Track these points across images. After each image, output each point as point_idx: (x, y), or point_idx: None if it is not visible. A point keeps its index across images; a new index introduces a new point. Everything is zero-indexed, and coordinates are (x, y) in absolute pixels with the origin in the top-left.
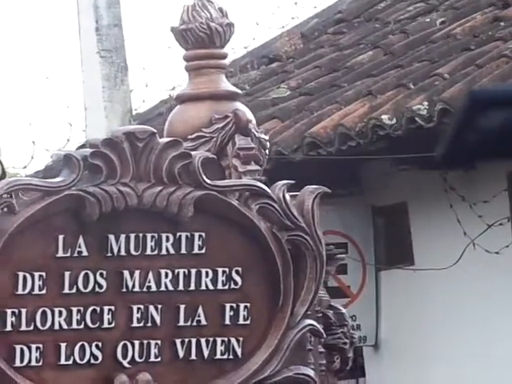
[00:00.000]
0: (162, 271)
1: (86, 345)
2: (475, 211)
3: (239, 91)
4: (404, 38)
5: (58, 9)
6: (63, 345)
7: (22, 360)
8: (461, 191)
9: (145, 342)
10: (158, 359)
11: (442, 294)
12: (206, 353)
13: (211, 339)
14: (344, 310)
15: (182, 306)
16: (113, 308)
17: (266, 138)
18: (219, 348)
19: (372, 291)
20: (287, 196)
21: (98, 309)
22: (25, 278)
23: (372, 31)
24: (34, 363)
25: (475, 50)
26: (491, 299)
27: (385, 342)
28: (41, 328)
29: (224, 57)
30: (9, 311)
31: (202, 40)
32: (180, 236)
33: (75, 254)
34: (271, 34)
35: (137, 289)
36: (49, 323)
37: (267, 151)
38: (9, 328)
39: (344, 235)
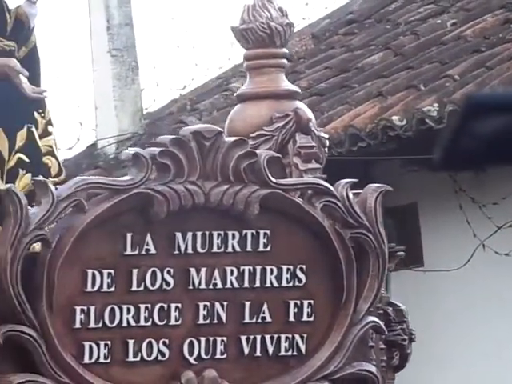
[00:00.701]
0: (228, 269)
1: (154, 342)
2: (485, 213)
3: (299, 90)
4: (415, 39)
5: (68, 8)
6: (131, 341)
7: (90, 357)
8: (471, 193)
9: (211, 338)
10: (224, 356)
11: (451, 295)
12: (270, 349)
13: (276, 336)
14: (403, 307)
15: (248, 303)
16: (180, 305)
17: (326, 136)
18: (283, 344)
19: (384, 289)
20: (350, 194)
21: (166, 306)
22: (94, 275)
23: (383, 32)
24: (102, 360)
25: (486, 51)
26: (501, 300)
27: None
28: (109, 325)
29: (284, 56)
30: (78, 308)
31: (262, 39)
32: (246, 234)
33: (143, 252)
34: None
35: (203, 286)
36: (117, 320)
37: (326, 149)
38: (78, 325)
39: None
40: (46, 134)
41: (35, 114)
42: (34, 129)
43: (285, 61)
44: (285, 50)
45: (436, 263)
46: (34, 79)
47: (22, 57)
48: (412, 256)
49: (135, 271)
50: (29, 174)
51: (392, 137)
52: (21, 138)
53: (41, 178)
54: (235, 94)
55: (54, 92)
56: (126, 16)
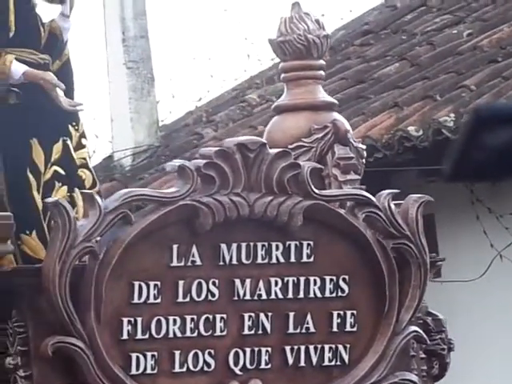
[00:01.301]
0: (272, 279)
1: (200, 352)
2: (502, 223)
3: (336, 102)
4: (431, 49)
5: (84, 20)
6: (177, 352)
7: (137, 368)
8: (487, 203)
9: (256, 349)
10: (269, 366)
11: (469, 306)
12: (314, 359)
13: (319, 346)
14: (442, 317)
15: (292, 314)
16: (225, 316)
17: (364, 147)
18: (327, 355)
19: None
20: (392, 205)
21: (211, 317)
22: (140, 287)
23: (399, 43)
24: (149, 371)
25: (502, 61)
26: None
27: None
28: (156, 336)
29: (321, 68)
30: (125, 320)
31: (299, 51)
32: (289, 245)
33: (189, 263)
34: None
35: (248, 297)
36: (163, 331)
37: (364, 161)
38: (125, 336)
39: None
40: (80, 146)
41: (70, 127)
42: (69, 141)
43: (322, 72)
44: (322, 62)
45: (453, 274)
46: (68, 92)
47: (55, 70)
48: (430, 266)
49: (181, 282)
50: (65, 187)
51: (408, 147)
52: (56, 150)
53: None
54: (273, 106)
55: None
56: (141, 28)
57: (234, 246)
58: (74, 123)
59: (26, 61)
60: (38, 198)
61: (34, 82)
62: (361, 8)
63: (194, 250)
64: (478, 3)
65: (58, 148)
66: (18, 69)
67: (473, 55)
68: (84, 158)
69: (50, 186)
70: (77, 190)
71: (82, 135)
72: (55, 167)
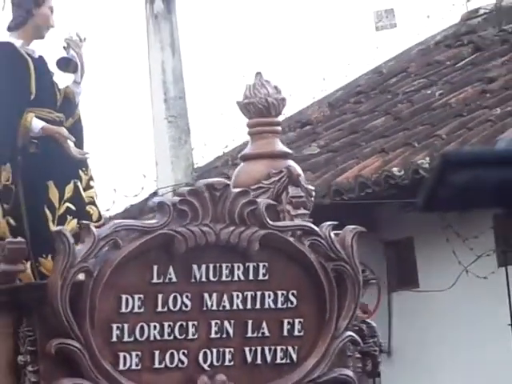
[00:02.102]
0: (234, 294)
1: (175, 352)
2: (467, 244)
3: (291, 151)
4: (410, 106)
5: (132, 82)
6: (157, 352)
7: (124, 364)
8: (456, 228)
9: (221, 349)
10: (232, 363)
11: (442, 311)
12: (268, 358)
13: (273, 347)
14: (374, 324)
15: (250, 321)
16: (196, 323)
17: (313, 188)
18: (279, 354)
19: (385, 309)
20: (332, 234)
21: (184, 324)
22: (127, 299)
23: (385, 101)
24: (134, 367)
25: (467, 115)
26: (481, 314)
27: (396, 349)
28: (139, 339)
29: (278, 124)
30: (114, 326)
31: (261, 111)
32: (248, 266)
33: (166, 280)
34: (304, 104)
35: (214, 308)
36: (146, 335)
37: (313, 199)
38: (114, 339)
39: (362, 264)
40: (88, 187)
41: (80, 171)
42: (79, 183)
43: (279, 128)
44: (279, 119)
45: (429, 285)
46: (79, 144)
47: (69, 126)
48: (409, 279)
49: (160, 296)
50: (75, 220)
51: (392, 184)
52: (68, 190)
53: (85, 222)
54: (240, 155)
55: (123, 151)
56: (179, 90)
57: (204, 266)
58: (83, 168)
59: (45, 118)
60: (53, 228)
61: (50, 135)
62: (354, 73)
63: (171, 269)
64: (447, 69)
65: (69, 188)
66: (37, 124)
67: (444, 110)
68: (92, 197)
69: (63, 219)
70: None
71: (91, 178)
72: (67, 204)
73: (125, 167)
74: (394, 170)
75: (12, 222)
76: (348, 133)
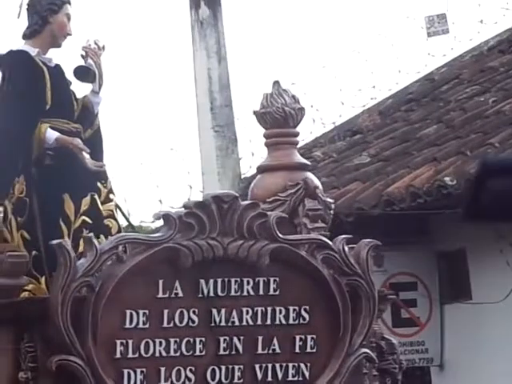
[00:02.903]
0: (244, 309)
1: (182, 369)
2: None
3: (309, 163)
4: (462, 114)
5: (178, 92)
6: (163, 369)
7: (128, 381)
8: (510, 239)
9: (230, 367)
10: (241, 381)
11: (496, 324)
12: (279, 375)
13: (284, 364)
14: (394, 341)
15: (260, 338)
16: (203, 339)
17: (331, 201)
18: (291, 371)
19: (437, 321)
20: (346, 248)
21: (192, 340)
22: (131, 314)
23: (436, 109)
24: None
25: None
26: None
27: (448, 362)
28: (144, 355)
29: (296, 135)
30: (118, 342)
31: (278, 121)
32: (258, 280)
33: (172, 295)
34: (354, 112)
35: (223, 323)
36: (151, 351)
37: (332, 211)
38: (118, 355)
39: (414, 275)
40: (107, 200)
41: (98, 184)
42: (96, 196)
43: (297, 138)
44: (297, 130)
45: (482, 297)
46: (97, 155)
47: (88, 137)
48: (462, 291)
49: (166, 311)
50: (91, 234)
51: (445, 194)
52: (85, 203)
53: (86, 235)
54: (256, 167)
55: (168, 161)
56: (226, 99)
57: (211, 281)
58: (102, 181)
59: (61, 129)
60: (68, 242)
61: (65, 147)
62: (405, 81)
63: (177, 284)
64: (501, 76)
65: (86, 201)
66: (51, 135)
67: (497, 118)
68: (111, 210)
69: (79, 233)
70: (102, 236)
71: (110, 191)
72: (83, 217)
73: (171, 178)
74: (447, 179)
75: (26, 235)
76: (399, 141)
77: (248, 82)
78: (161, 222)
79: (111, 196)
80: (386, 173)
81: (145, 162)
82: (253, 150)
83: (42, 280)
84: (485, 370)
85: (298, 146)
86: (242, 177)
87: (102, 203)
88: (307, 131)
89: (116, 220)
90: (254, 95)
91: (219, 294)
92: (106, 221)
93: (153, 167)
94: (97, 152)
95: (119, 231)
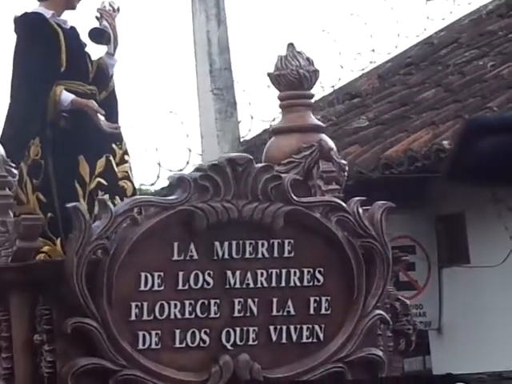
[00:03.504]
0: (258, 271)
1: (197, 331)
2: None
3: (323, 124)
4: (461, 78)
5: (177, 55)
6: (177, 331)
7: (143, 343)
8: (508, 203)
9: (244, 328)
10: (255, 342)
11: (493, 287)
12: (294, 337)
13: (298, 326)
14: (408, 302)
15: (275, 300)
16: (218, 301)
17: (345, 162)
18: (305, 333)
19: (435, 285)
20: (360, 210)
21: (206, 302)
22: (146, 277)
23: (435, 72)
24: (153, 346)
25: None
26: None
27: (446, 326)
28: (159, 318)
29: (311, 97)
30: (133, 304)
31: (292, 83)
32: (273, 242)
33: (187, 258)
34: (353, 75)
35: (238, 285)
36: (166, 314)
37: (346, 174)
38: (133, 318)
39: (412, 239)
40: (122, 161)
41: (113, 145)
42: (111, 158)
43: (311, 100)
44: (311, 92)
45: (480, 261)
46: (113, 117)
47: (102, 99)
48: (460, 255)
49: (181, 273)
50: (106, 195)
51: (443, 158)
52: (100, 165)
53: (101, 197)
54: (271, 128)
55: (167, 124)
56: (225, 62)
57: (226, 243)
58: (117, 142)
59: (76, 91)
60: (83, 204)
61: (80, 109)
62: (404, 44)
63: (192, 246)
64: (500, 40)
65: (101, 163)
66: (66, 97)
67: (495, 82)
68: (126, 172)
69: (94, 195)
70: (117, 197)
71: (125, 152)
72: (99, 179)
73: (169, 141)
74: (445, 143)
75: (42, 197)
76: (398, 105)
77: (247, 45)
78: (161, 185)
79: (126, 157)
80: (385, 136)
81: (144, 124)
82: (252, 113)
83: (58, 242)
84: (483, 334)
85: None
86: (242, 140)
87: (117, 165)
88: None
89: (131, 181)
90: (254, 58)
91: (234, 256)
92: (121, 182)
93: (152, 130)
94: (112, 114)
95: (134, 193)
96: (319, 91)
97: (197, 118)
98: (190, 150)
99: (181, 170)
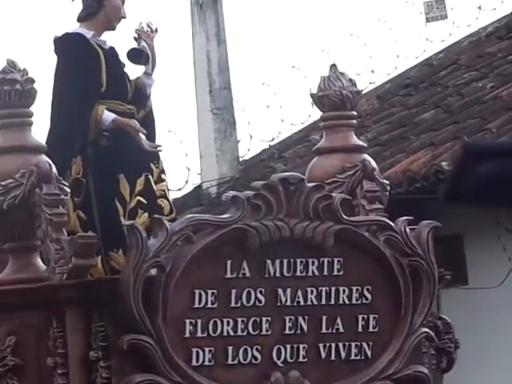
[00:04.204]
0: (309, 289)
1: (249, 348)
2: None
3: (365, 145)
4: (460, 99)
5: (176, 74)
6: (230, 348)
7: (197, 360)
8: (506, 225)
9: (295, 345)
10: (305, 360)
11: (491, 309)
12: (343, 354)
13: (347, 343)
14: (450, 321)
15: (324, 317)
16: (269, 318)
17: (387, 182)
18: (353, 351)
19: (433, 306)
20: (407, 229)
21: (258, 319)
22: (200, 294)
23: (434, 94)
24: (207, 363)
25: None
26: None
27: None
28: (212, 335)
29: (353, 117)
30: (187, 321)
31: (335, 104)
32: (323, 261)
33: (240, 276)
34: None
35: (288, 303)
36: (219, 331)
37: (387, 193)
38: (187, 335)
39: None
40: (159, 180)
41: (151, 164)
42: (150, 176)
43: (354, 121)
44: (354, 113)
45: (478, 282)
46: (150, 136)
47: (140, 118)
48: (458, 276)
49: (234, 291)
50: (146, 213)
51: (441, 179)
52: (140, 183)
53: (157, 216)
54: (314, 148)
55: (166, 143)
56: (224, 81)
57: (278, 261)
58: (155, 161)
59: (116, 110)
60: (124, 222)
61: (122, 128)
62: (404, 65)
63: (245, 264)
64: (499, 61)
65: (140, 182)
66: (108, 117)
67: (494, 104)
68: (163, 190)
69: (134, 213)
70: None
71: (162, 171)
72: (138, 197)
73: (169, 160)
74: (444, 164)
75: (83, 215)
76: (397, 126)
77: (247, 64)
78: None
79: (163, 176)
80: (384, 157)
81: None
82: (251, 132)
83: (98, 260)
84: (482, 355)
85: (297, 129)
86: (241, 159)
87: (155, 183)
88: (305, 114)
89: (168, 200)
90: (253, 78)
91: (285, 274)
92: (158, 201)
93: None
94: (150, 133)
95: (171, 211)
96: (318, 111)
97: (196, 137)
98: (188, 169)
99: (180, 190)
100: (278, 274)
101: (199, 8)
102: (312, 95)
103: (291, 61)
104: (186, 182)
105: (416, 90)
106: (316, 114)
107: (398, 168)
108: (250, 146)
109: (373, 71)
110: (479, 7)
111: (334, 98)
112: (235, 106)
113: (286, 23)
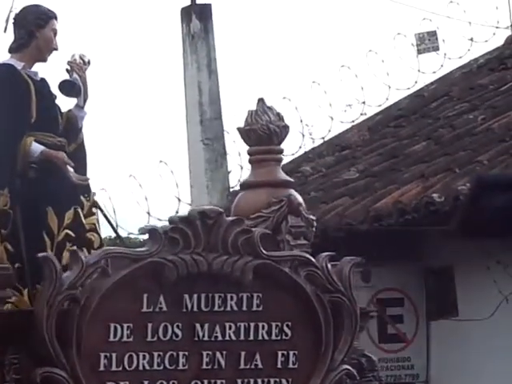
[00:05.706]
0: (227, 324)
1: (165, 383)
2: (508, 272)
3: (292, 180)
4: (451, 131)
5: (167, 104)
6: (146, 382)
7: None
8: (496, 256)
9: (212, 381)
10: None
11: (481, 341)
12: None
13: (266, 380)
14: (375, 358)
15: (243, 353)
16: (186, 353)
17: (314, 218)
18: None
19: (424, 337)
20: (329, 265)
21: (175, 354)
22: (115, 328)
23: (426, 125)
24: None
25: (510, 141)
26: None
27: (434, 379)
28: (128, 369)
29: (280, 152)
30: (102, 355)
31: (262, 138)
32: (242, 296)
33: (157, 309)
34: (344, 127)
35: (206, 338)
36: (134, 365)
37: (314, 229)
38: (102, 368)
39: (401, 291)
40: (90, 214)
41: (82, 197)
42: (79, 210)
43: (281, 156)
44: (281, 147)
45: (468, 314)
46: (81, 169)
47: (72, 151)
48: (449, 308)
49: (150, 325)
50: (74, 247)
51: (433, 211)
52: (68, 217)
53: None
54: (239, 183)
55: (157, 174)
56: (215, 112)
57: (195, 296)
58: (85, 195)
59: (45, 142)
60: (39, 254)
61: (49, 160)
62: (395, 97)
63: (162, 298)
64: (490, 93)
65: (69, 215)
66: (36, 149)
67: (486, 136)
68: (93, 224)
69: (62, 246)
70: (85, 249)
71: (93, 204)
72: (67, 230)
73: (160, 190)
74: (435, 196)
75: (10, 247)
76: (388, 157)
77: (238, 95)
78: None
79: (93, 210)
80: (374, 188)
81: (134, 173)
82: (242, 163)
83: (25, 292)
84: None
85: (288, 160)
86: (231, 190)
87: (85, 217)
88: (296, 146)
89: (98, 233)
90: (244, 109)
91: (203, 308)
92: (88, 234)
93: (142, 179)
94: (80, 166)
95: (101, 245)
96: (309, 142)
97: (187, 167)
98: (179, 200)
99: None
100: (195, 309)
101: (191, 39)
102: (239, 129)
103: (282, 92)
104: (177, 212)
105: (407, 122)
106: (307, 145)
107: (389, 199)
108: (240, 177)
109: (364, 102)
110: (471, 39)
111: (261, 132)
112: (226, 136)
113: (277, 54)
